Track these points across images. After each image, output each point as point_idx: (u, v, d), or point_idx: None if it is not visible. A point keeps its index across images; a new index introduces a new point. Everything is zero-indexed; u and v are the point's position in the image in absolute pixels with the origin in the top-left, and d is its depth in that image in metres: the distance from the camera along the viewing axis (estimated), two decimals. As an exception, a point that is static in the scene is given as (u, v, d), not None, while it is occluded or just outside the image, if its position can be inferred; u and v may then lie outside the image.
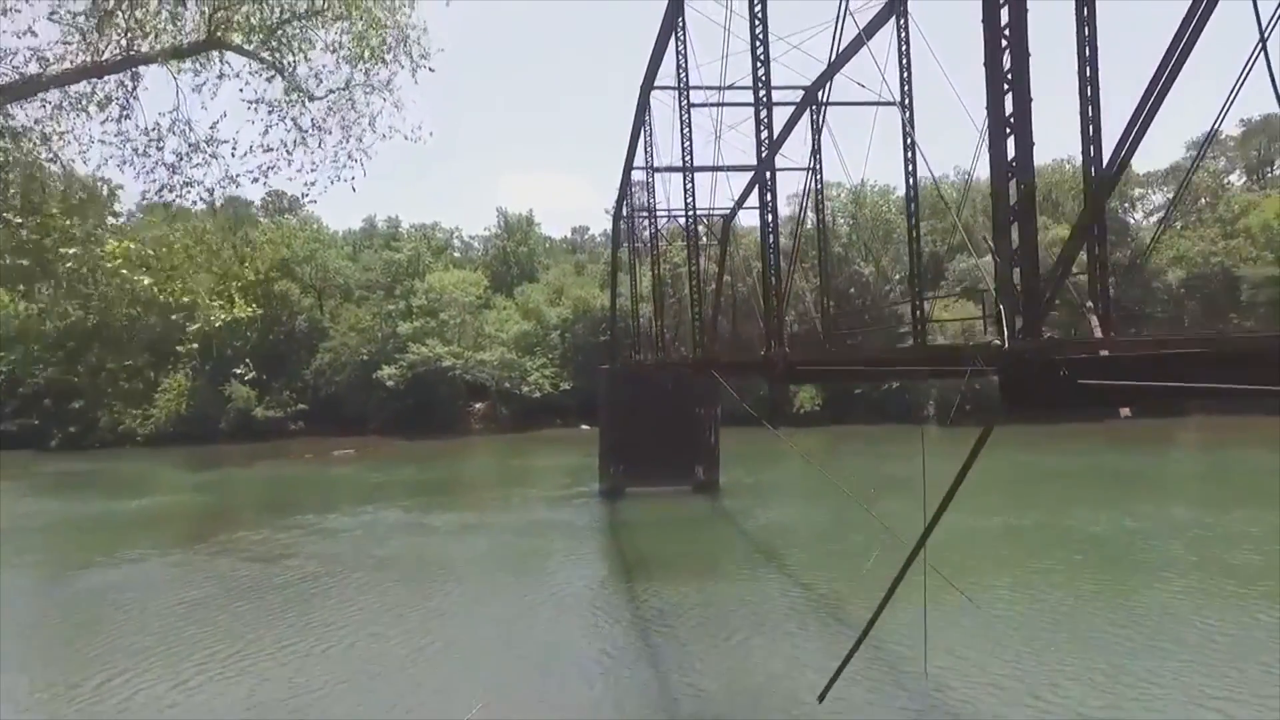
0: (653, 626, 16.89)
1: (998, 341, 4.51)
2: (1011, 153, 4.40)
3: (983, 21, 4.66)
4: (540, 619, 17.55)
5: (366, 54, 9.41)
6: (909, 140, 14.52)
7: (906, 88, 14.35)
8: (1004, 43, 4.38)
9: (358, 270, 74.59)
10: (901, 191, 67.30)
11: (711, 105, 19.05)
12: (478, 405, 65.41)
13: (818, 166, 21.77)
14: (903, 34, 13.96)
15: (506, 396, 64.48)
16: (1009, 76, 4.38)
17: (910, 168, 14.62)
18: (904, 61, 14.12)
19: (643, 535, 25.49)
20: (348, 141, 10.70)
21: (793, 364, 9.75)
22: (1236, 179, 74.83)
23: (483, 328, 66.90)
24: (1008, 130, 4.30)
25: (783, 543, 23.79)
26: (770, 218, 11.82)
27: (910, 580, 6.03)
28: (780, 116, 18.00)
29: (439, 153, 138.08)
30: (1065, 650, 14.33)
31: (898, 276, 65.39)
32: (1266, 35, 3.61)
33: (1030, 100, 4.30)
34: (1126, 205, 64.38)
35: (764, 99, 11.11)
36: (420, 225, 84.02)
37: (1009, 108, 4.33)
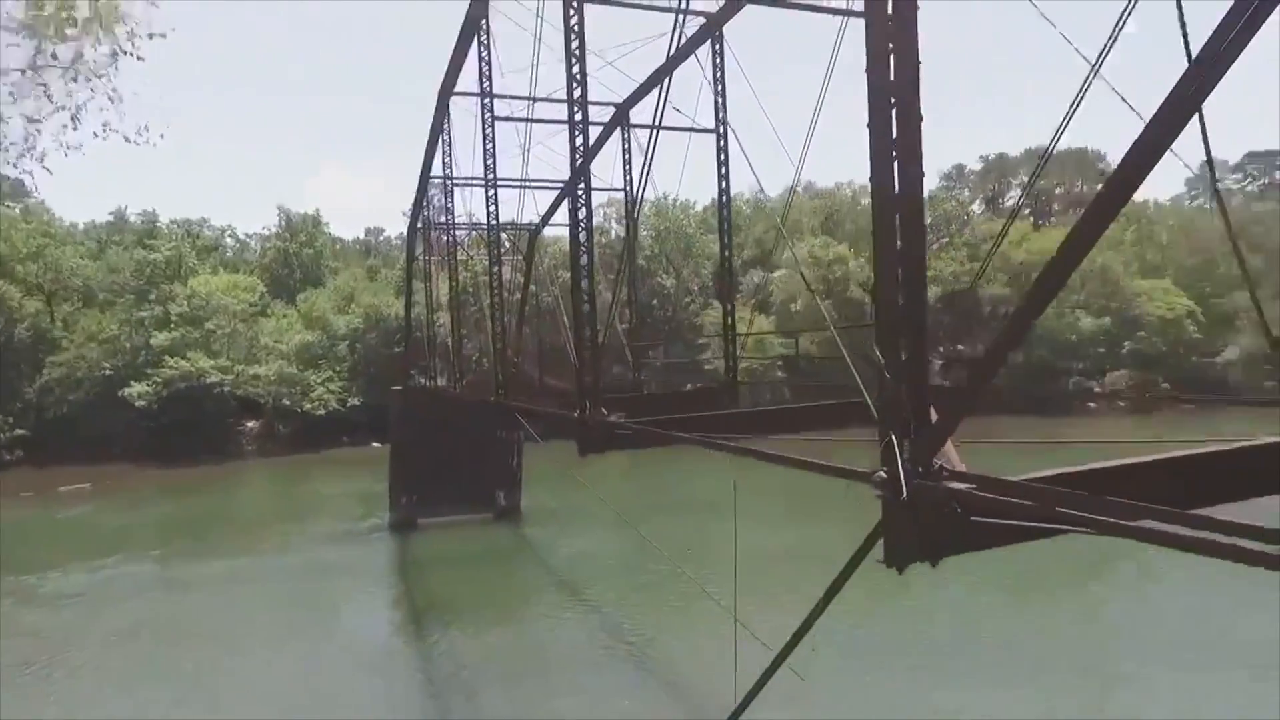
0: (449, 686, 15.22)
1: (883, 474, 3.62)
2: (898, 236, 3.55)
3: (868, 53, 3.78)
4: (321, 689, 15.20)
5: (53, 30, 7.04)
6: (723, 170, 14.10)
7: (722, 114, 13.89)
8: (892, 102, 3.53)
9: (101, 271, 63.86)
10: (700, 206, 70.60)
11: (518, 120, 17.65)
12: (251, 424, 58.42)
13: (629, 184, 21.11)
14: (718, 59, 13.46)
15: (285, 414, 58.11)
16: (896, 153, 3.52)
17: (724, 199, 14.21)
18: (719, 87, 13.63)
19: (438, 575, 23.42)
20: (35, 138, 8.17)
21: (612, 428, 8.64)
22: (977, 208, 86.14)
23: (258, 338, 59.98)
24: (897, 223, 3.44)
25: (588, 575, 22.82)
26: (584, 241, 10.61)
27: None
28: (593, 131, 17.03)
29: (209, 140, 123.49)
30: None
31: (697, 287, 67.99)
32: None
33: (921, 175, 3.49)
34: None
35: (579, 117, 9.95)
36: (183, 221, 73.93)
37: (898, 185, 3.48)
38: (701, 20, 12.82)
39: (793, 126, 10.25)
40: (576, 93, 9.65)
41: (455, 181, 22.45)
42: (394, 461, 32.13)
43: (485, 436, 30.76)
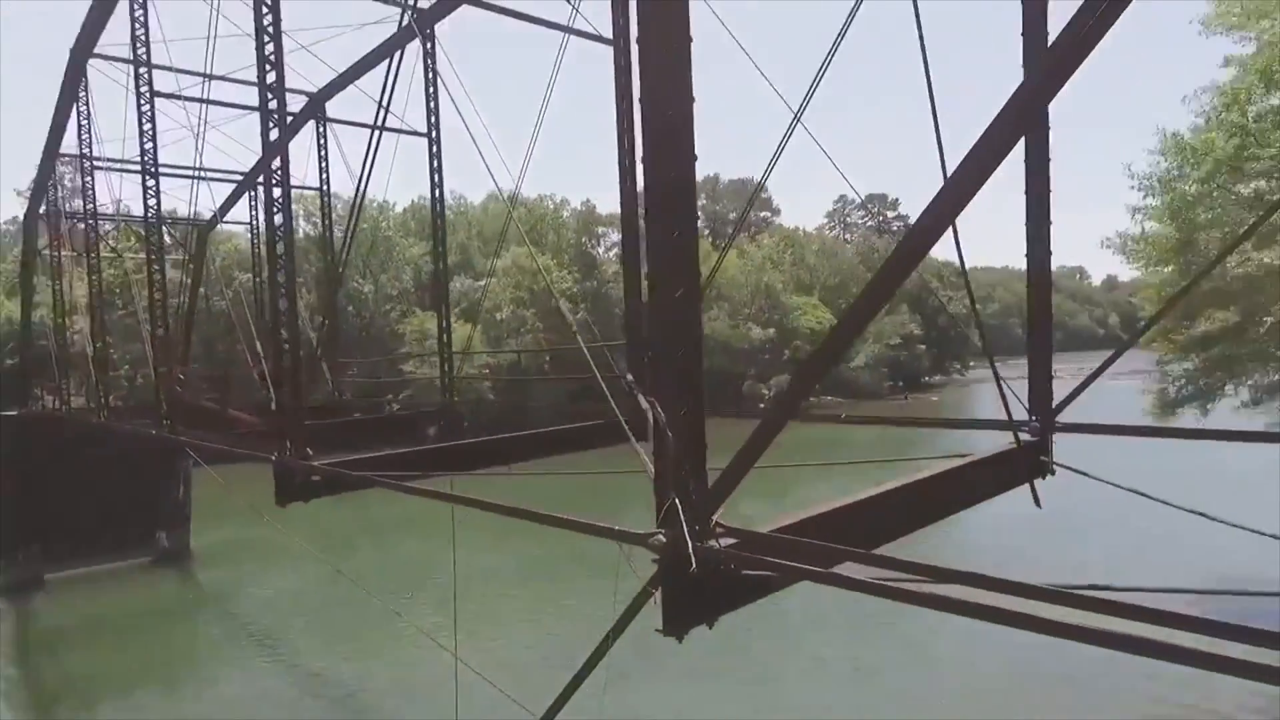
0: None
1: (661, 538, 3.37)
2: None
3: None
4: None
5: None
6: (436, 178, 13.25)
7: (434, 118, 13.04)
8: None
9: None
10: (399, 208, 67.28)
11: (191, 100, 14.91)
12: None
13: (324, 181, 19.18)
14: (429, 60, 12.59)
15: None
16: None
17: (439, 208, 13.34)
18: (430, 90, 12.78)
19: (76, 646, 18.90)
20: None
21: (312, 472, 7.27)
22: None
23: None
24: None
25: (283, 623, 20.00)
26: (280, 226, 8.93)
27: None
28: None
29: None
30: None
31: (396, 293, 64.53)
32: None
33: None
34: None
35: (273, 105, 8.51)
36: None
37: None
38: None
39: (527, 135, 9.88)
40: (271, 77, 8.26)
41: (96, 163, 18.38)
42: (6, 505, 25.38)
43: (139, 465, 25.69)
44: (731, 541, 3.49)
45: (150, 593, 23.21)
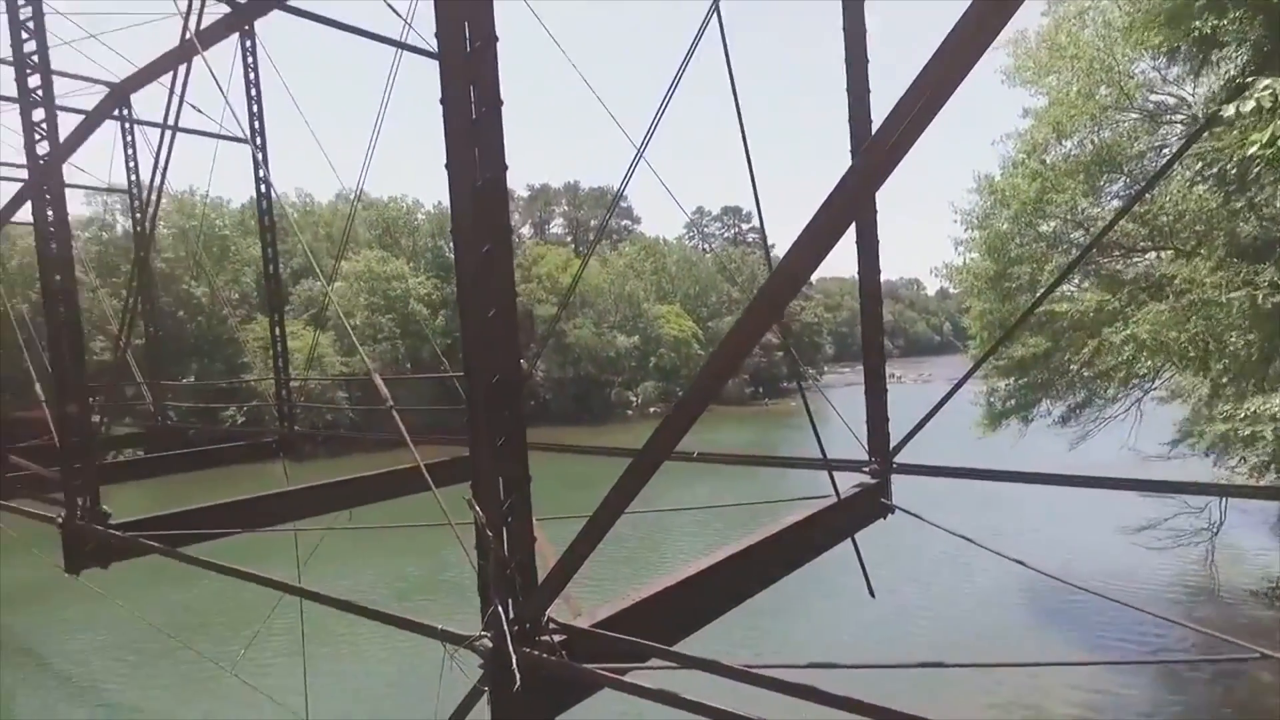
0: None
1: (487, 642, 3.00)
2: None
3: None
4: None
5: None
6: (263, 189, 12.14)
7: (258, 123, 11.93)
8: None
9: None
10: (237, 204, 62.39)
11: None
12: None
13: (132, 180, 17.19)
14: (249, 58, 11.50)
15: None
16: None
17: (266, 218, 12.19)
18: (253, 92, 11.67)
19: None
20: None
21: (111, 536, 6.13)
22: (527, 231, 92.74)
23: None
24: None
25: (98, 667, 17.63)
26: (52, 223, 7.53)
27: None
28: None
29: None
30: None
31: (236, 295, 59.69)
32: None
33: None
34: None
35: (38, 117, 7.19)
36: None
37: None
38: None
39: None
40: (35, 80, 6.90)
41: None
42: None
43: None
44: (563, 638, 3.19)
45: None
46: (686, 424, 2.68)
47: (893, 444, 6.08)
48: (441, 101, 3.27)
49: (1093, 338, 13.78)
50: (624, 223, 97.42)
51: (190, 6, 6.45)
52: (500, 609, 2.92)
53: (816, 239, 2.45)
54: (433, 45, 9.75)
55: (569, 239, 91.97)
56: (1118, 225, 11.97)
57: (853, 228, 6.14)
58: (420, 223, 65.27)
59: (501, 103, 3.27)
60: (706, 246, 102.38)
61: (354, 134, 11.47)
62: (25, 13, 7.03)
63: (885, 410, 6.27)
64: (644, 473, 2.74)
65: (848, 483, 5.93)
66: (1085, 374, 14.86)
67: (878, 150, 2.29)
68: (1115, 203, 14.99)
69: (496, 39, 3.28)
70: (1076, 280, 14.84)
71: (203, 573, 6.36)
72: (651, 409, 65.30)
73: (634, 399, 64.33)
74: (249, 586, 5.40)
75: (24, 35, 6.99)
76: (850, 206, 2.41)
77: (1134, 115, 14.22)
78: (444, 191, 3.23)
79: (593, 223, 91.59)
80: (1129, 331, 12.20)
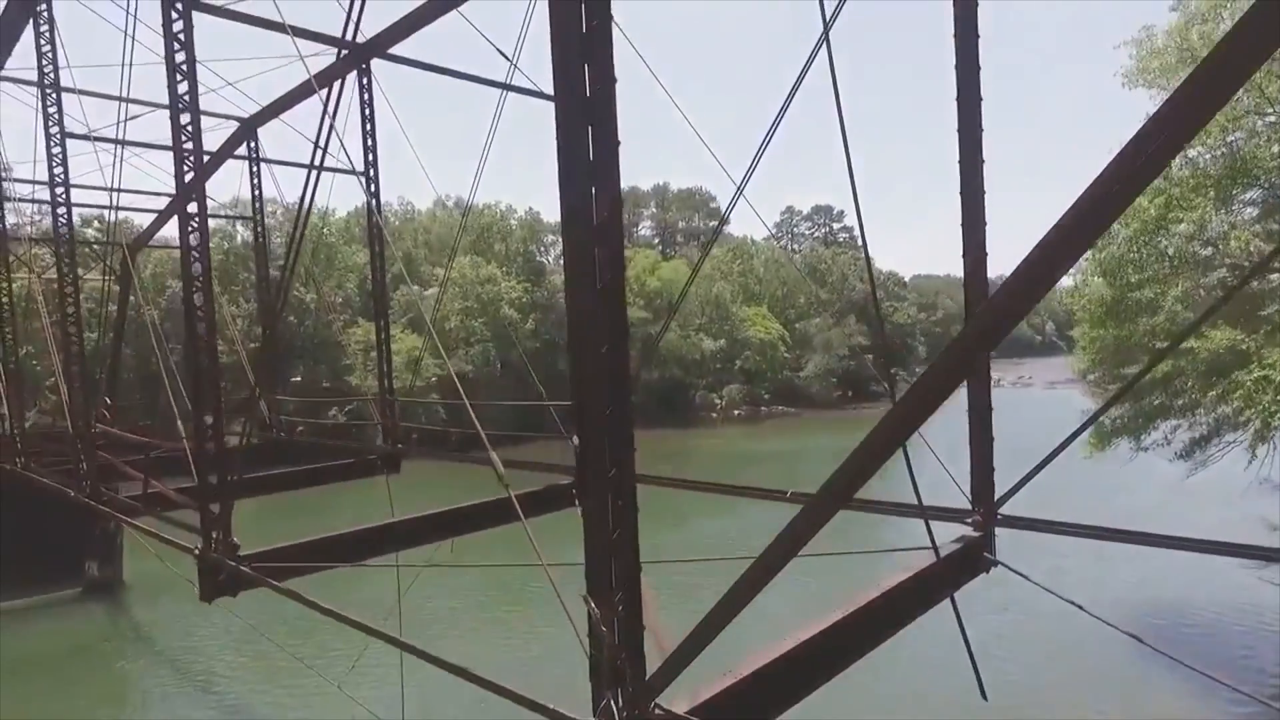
0: None
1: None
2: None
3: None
4: None
5: None
6: (375, 219, 12.79)
7: (371, 155, 12.58)
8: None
9: None
10: (343, 214, 65.57)
11: (103, 140, 14.02)
12: None
13: (258, 208, 18.35)
14: (366, 95, 12.15)
15: None
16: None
17: (378, 248, 12.85)
18: (368, 127, 12.33)
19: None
20: None
21: (240, 567, 6.64)
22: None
23: None
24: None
25: (216, 666, 18.98)
26: (197, 246, 8.10)
27: None
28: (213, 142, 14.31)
29: None
30: None
31: (340, 300, 62.85)
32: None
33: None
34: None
35: (189, 146, 7.85)
36: None
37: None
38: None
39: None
40: (185, 117, 7.56)
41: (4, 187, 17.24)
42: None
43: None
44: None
45: (73, 628, 21.89)
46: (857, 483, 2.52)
47: (998, 492, 5.87)
48: (558, 142, 3.33)
49: (1222, 377, 12.77)
50: (712, 223, 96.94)
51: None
52: (612, 701, 3.05)
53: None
54: (536, 85, 10.03)
55: (656, 241, 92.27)
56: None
57: (959, 242, 5.93)
58: (513, 229, 66.94)
59: (619, 143, 3.30)
60: (795, 247, 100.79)
61: (454, 145, 11.93)
62: (180, 57, 7.66)
63: (991, 454, 6.05)
64: (775, 566, 2.74)
65: (944, 528, 5.74)
66: (1215, 409, 13.72)
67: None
68: (1251, 211, 13.94)
69: (614, 80, 3.30)
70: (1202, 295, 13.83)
71: (318, 580, 6.75)
72: (736, 411, 64.86)
73: (718, 402, 64.03)
74: (355, 600, 5.70)
75: (178, 78, 7.63)
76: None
77: (1271, 118, 13.13)
78: (534, 197, 3.27)
79: (681, 224, 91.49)
80: (1262, 374, 11.26)
